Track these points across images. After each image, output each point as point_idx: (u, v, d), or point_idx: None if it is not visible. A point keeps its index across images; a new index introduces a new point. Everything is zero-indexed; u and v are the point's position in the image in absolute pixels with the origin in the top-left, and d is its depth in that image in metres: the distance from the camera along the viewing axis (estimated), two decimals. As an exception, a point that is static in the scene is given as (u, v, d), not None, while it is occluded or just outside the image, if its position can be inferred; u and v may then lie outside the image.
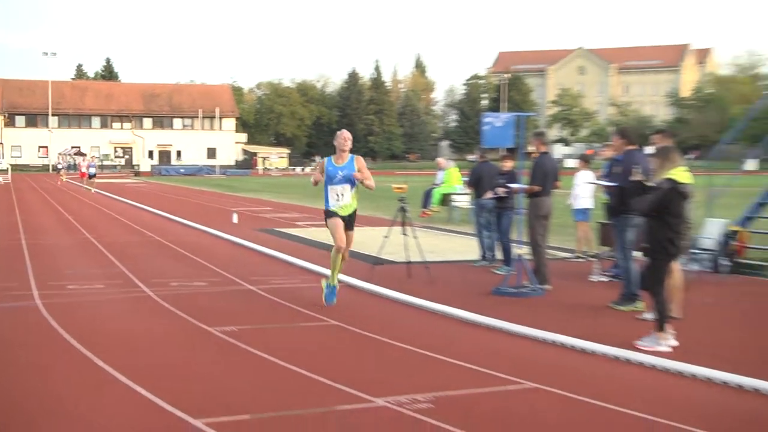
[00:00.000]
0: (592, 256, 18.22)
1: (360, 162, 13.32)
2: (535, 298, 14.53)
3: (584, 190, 19.15)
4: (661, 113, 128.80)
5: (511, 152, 17.36)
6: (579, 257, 19.45)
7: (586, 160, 21.45)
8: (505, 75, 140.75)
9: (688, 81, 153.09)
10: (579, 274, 17.10)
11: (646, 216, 11.00)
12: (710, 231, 17.43)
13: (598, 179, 15.98)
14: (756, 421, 7.83)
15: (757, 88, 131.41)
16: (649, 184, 11.09)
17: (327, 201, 13.25)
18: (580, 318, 12.78)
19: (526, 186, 15.87)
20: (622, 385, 9.13)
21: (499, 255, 17.99)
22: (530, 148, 16.38)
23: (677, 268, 11.31)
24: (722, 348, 10.71)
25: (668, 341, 10.64)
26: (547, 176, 15.58)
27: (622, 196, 13.48)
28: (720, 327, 12.04)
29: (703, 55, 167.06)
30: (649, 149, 12.44)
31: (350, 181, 13.10)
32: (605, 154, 16.02)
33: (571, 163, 63.86)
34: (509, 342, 11.19)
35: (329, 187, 13.10)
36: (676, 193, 10.70)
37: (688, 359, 9.90)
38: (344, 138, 13.27)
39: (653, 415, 7.92)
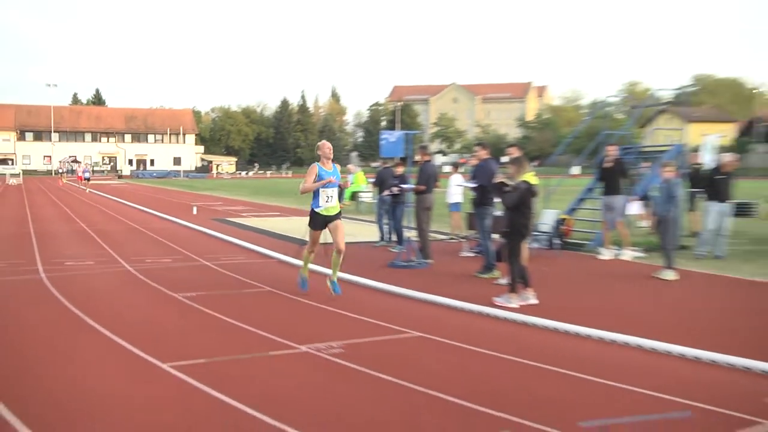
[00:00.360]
0: (462, 238, 18.30)
1: (339, 168, 11.57)
2: (421, 269, 14.54)
3: (456, 189, 19.26)
4: (513, 132, 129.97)
5: (403, 160, 17.37)
6: (452, 238, 19.48)
7: (457, 167, 21.60)
8: (398, 103, 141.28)
9: (531, 109, 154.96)
10: (453, 251, 17.12)
11: (509, 208, 11.14)
12: (547, 218, 17.66)
13: (466, 181, 16.10)
14: (575, 357, 7.89)
15: (579, 115, 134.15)
16: (510, 184, 11.24)
17: (317, 202, 11.04)
18: (454, 283, 12.77)
19: (414, 186, 15.90)
20: (482, 332, 9.19)
21: (394, 237, 17.95)
22: (417, 158, 16.39)
23: (525, 246, 11.37)
24: (555, 304, 10.79)
25: (523, 301, 10.84)
26: (429, 178, 15.60)
27: (483, 193, 13.62)
28: (554, 288, 12.11)
29: (541, 90, 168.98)
30: (505, 158, 12.55)
31: (338, 184, 11.23)
32: (472, 162, 16.07)
33: (447, 168, 64.09)
34: (401, 302, 11.17)
35: (321, 190, 10.93)
36: (529, 191, 11.08)
37: (530, 312, 10.03)
38: (329, 148, 11.37)
39: (504, 353, 8.04)
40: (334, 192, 11.11)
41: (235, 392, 6.62)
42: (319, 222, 11.20)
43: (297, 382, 7.10)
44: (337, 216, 11.25)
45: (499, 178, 11.95)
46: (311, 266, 12.18)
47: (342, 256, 11.24)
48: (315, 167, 11.13)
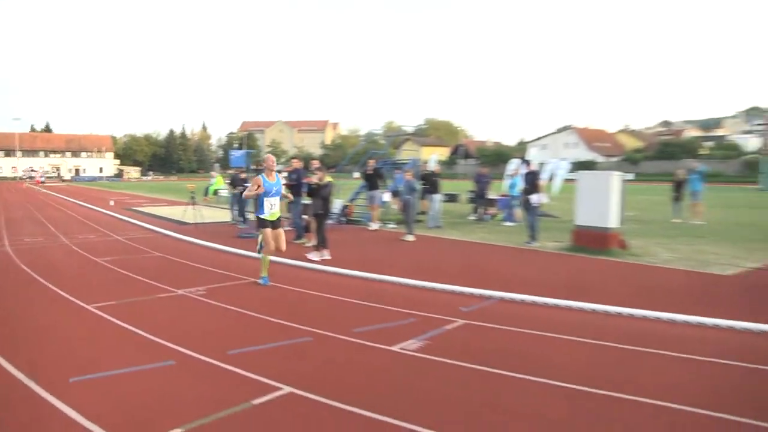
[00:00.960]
0: (286, 218, 18.05)
1: (282, 179, 9.00)
2: (258, 238, 14.24)
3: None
4: (317, 152, 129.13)
5: (244, 169, 17.04)
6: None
7: (280, 172, 21.30)
8: (245, 132, 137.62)
9: (329, 136, 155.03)
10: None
11: (322, 198, 11.23)
12: (337, 205, 17.76)
13: (287, 182, 15.93)
14: (353, 289, 8.06)
15: (357, 140, 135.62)
16: (319, 183, 11.31)
17: (262, 209, 8.55)
18: (279, 246, 12.68)
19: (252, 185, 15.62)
20: (296, 277, 9.18)
21: (241, 218, 17.53)
22: (253, 167, 16.10)
23: (326, 222, 11.45)
24: (342, 258, 10.89)
25: (322, 257, 10.86)
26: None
27: (298, 189, 13.59)
28: (341, 248, 12.22)
29: (335, 125, 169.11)
30: (313, 167, 12.53)
31: (280, 194, 8.74)
32: (289, 169, 15.89)
33: (276, 174, 62.93)
34: (244, 260, 10.97)
35: (265, 199, 8.49)
36: (331, 187, 11.38)
37: (327, 264, 10.11)
38: (272, 161, 8.74)
39: (309, 290, 8.07)
40: (276, 200, 8.66)
41: (135, 322, 6.35)
42: (267, 224, 8.64)
43: (176, 314, 6.88)
44: (279, 221, 8.77)
45: (311, 180, 12.04)
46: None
47: (280, 254, 8.98)
48: (260, 179, 8.56)
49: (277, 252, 8.77)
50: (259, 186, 8.48)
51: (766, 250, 11.86)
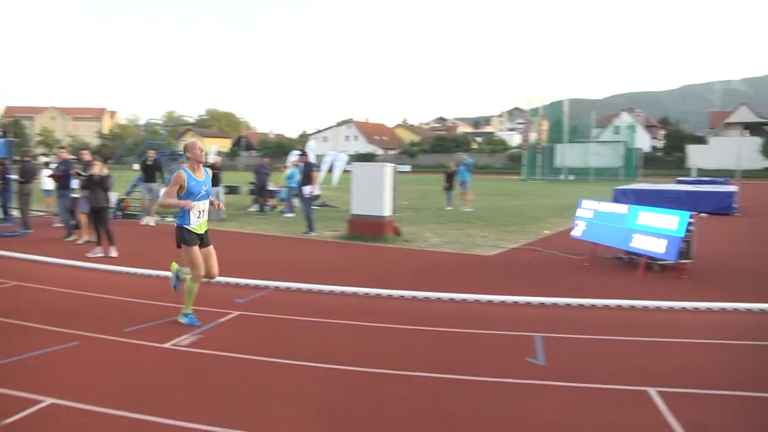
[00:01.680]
0: (55, 215, 15.91)
1: (210, 174, 6.05)
2: (24, 237, 12.43)
3: (47, 179, 16.51)
4: (94, 141, 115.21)
5: (6, 160, 14.82)
6: (48, 214, 16.95)
7: (47, 165, 18.80)
8: (11, 119, 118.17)
9: (107, 125, 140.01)
10: (46, 224, 14.82)
11: (104, 190, 10.13)
12: (112, 198, 16.06)
13: (53, 173, 13.94)
14: (151, 289, 7.47)
15: (137, 129, 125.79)
16: (102, 175, 10.17)
17: (188, 218, 5.73)
18: (49, 245, 11.18)
19: (17, 177, 13.61)
20: (72, 279, 8.18)
21: (2, 215, 15.08)
22: (17, 158, 14.06)
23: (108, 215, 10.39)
24: (124, 257, 9.93)
25: (108, 254, 9.88)
26: (28, 173, 13.38)
27: (66, 181, 12.37)
28: (120, 246, 11.09)
29: (113, 113, 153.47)
30: (86, 158, 11.29)
31: (208, 196, 5.91)
32: (58, 159, 14.02)
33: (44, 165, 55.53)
34: (7, 261, 9.52)
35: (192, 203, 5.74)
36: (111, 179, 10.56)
37: (105, 262, 9.20)
38: (200, 149, 5.86)
39: (89, 291, 7.26)
40: (206, 205, 5.90)
41: None
42: (194, 237, 5.83)
43: None
44: (207, 235, 6.02)
45: (81, 172, 10.99)
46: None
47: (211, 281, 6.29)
48: (182, 175, 5.72)
49: (209, 277, 6.11)
50: (181, 186, 5.73)
51: (523, 232, 13.45)
